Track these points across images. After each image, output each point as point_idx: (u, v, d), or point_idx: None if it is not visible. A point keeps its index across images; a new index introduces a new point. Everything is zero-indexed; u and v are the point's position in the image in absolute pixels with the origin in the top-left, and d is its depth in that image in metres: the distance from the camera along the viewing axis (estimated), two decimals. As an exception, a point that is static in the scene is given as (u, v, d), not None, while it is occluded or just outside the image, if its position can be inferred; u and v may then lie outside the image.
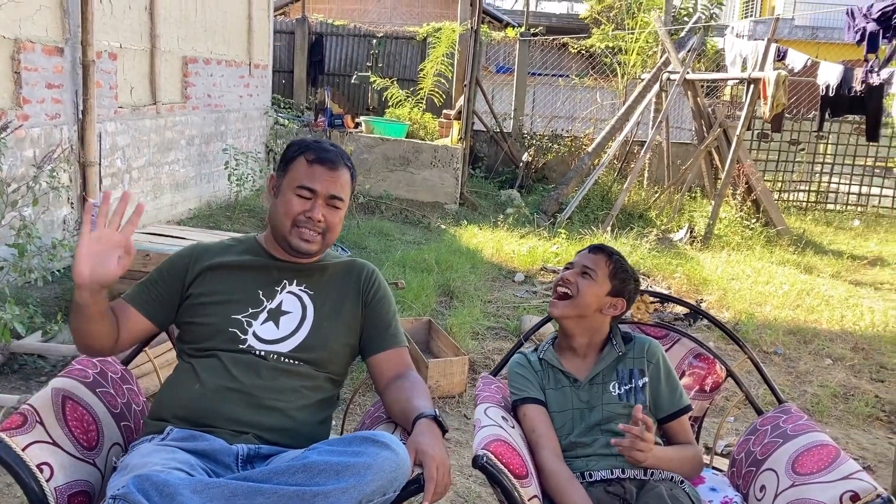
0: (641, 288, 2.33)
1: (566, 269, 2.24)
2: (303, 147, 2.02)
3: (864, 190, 11.38)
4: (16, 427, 1.68)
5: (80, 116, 5.54)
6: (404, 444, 1.72)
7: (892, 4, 7.14)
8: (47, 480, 1.66)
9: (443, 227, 8.46)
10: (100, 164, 5.83)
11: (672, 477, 2.05)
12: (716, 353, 2.53)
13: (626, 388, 2.14)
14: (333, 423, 2.16)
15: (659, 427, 2.14)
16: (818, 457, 2.02)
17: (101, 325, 1.86)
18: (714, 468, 2.48)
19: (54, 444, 1.74)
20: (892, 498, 1.82)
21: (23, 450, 1.65)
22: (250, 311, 1.99)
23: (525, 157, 11.30)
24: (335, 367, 2.04)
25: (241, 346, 1.94)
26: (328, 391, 2.03)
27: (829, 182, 11.43)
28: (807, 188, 11.39)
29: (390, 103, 12.28)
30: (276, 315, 2.00)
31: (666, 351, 2.48)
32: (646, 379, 2.15)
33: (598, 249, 2.24)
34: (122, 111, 6.27)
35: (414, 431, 1.81)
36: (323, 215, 1.98)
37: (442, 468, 1.72)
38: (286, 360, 1.95)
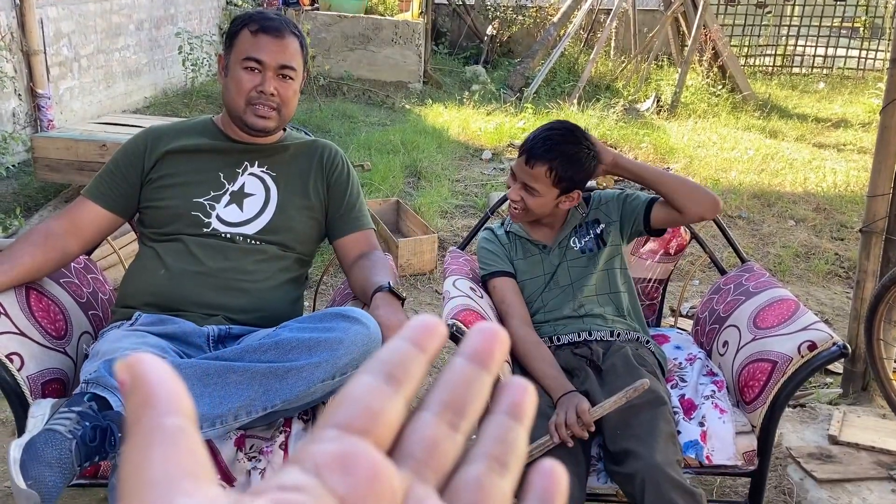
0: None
1: (511, 174, 2.13)
2: (245, 19, 1.92)
3: (830, 52, 11.30)
4: (-20, 320, 1.67)
5: (18, 1, 5.23)
6: None
7: None
8: (18, 369, 1.67)
9: (407, 106, 8.30)
10: (45, 53, 5.56)
11: (637, 337, 2.11)
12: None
13: (585, 239, 2.17)
14: (306, 303, 2.17)
15: (656, 234, 2.23)
16: (778, 311, 2.08)
17: (45, 266, 1.86)
18: (678, 328, 2.56)
19: (22, 334, 1.73)
20: (847, 345, 1.89)
21: (-11, 341, 1.64)
22: (212, 193, 1.95)
23: (489, 30, 10.99)
24: (302, 247, 2.03)
25: (205, 230, 1.91)
26: (296, 271, 2.03)
27: (796, 45, 11.31)
28: (773, 52, 11.28)
29: (347, -22, 11.75)
30: (238, 197, 1.96)
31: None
32: (602, 225, 2.18)
33: (534, 160, 2.02)
34: (62, -5, 5.93)
35: (371, 306, 1.82)
36: (275, 88, 1.90)
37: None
38: (252, 241, 1.94)
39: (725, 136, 7.44)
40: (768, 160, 6.65)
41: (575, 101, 8.27)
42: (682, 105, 8.48)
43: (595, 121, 7.47)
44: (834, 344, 1.89)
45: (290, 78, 1.94)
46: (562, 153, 2.01)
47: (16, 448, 1.39)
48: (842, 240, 4.96)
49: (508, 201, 2.14)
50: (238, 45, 1.91)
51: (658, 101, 8.52)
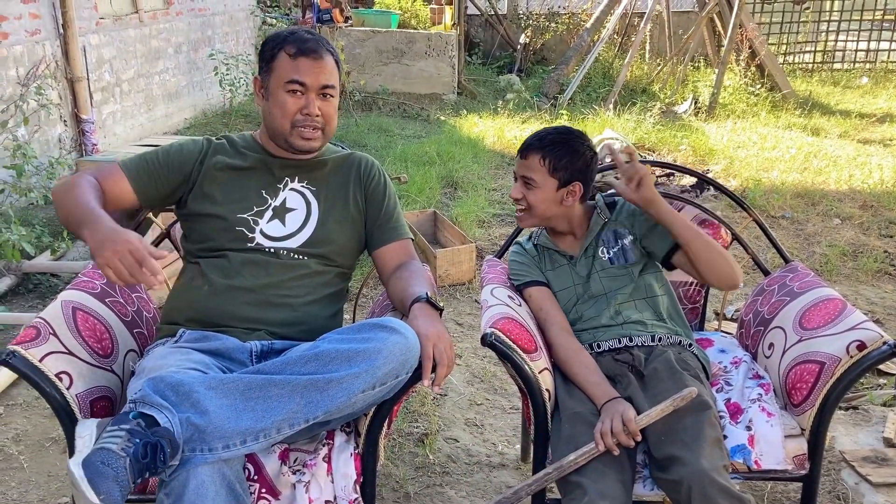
0: (648, 160, 2.29)
1: (514, 177, 2.16)
2: (280, 41, 1.95)
3: (873, 46, 11.06)
4: (30, 340, 1.71)
5: (62, 31, 5.38)
6: None
7: None
8: (67, 388, 1.70)
9: (442, 118, 8.33)
10: (88, 79, 5.71)
11: (680, 341, 2.08)
12: (721, 218, 2.52)
13: (614, 250, 2.14)
14: (346, 316, 2.19)
15: (668, 268, 2.15)
16: (825, 311, 2.04)
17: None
18: (723, 332, 2.51)
19: (70, 353, 1.77)
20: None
21: (39, 361, 1.68)
22: (255, 209, 1.97)
23: (522, 38, 10.99)
24: (343, 259, 2.05)
25: (249, 245, 1.94)
26: (337, 285, 2.04)
27: (836, 40, 11.10)
28: (812, 48, 11.08)
29: (379, -7, 11.87)
30: (281, 212, 1.99)
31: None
32: (630, 236, 2.14)
33: (527, 150, 2.09)
34: (103, 22, 6.09)
35: (409, 316, 1.82)
36: (318, 108, 1.94)
37: (440, 345, 1.72)
38: (296, 255, 1.96)
39: (766, 136, 7.32)
40: (811, 158, 6.52)
41: (611, 105, 8.21)
42: (720, 106, 8.37)
43: (632, 125, 7.41)
44: (885, 343, 1.84)
45: (331, 96, 1.98)
46: (553, 142, 2.07)
47: (76, 467, 1.42)
48: (891, 237, 4.84)
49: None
50: (278, 68, 1.93)
51: (696, 102, 8.42)
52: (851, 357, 1.86)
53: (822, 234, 4.85)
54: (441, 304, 1.86)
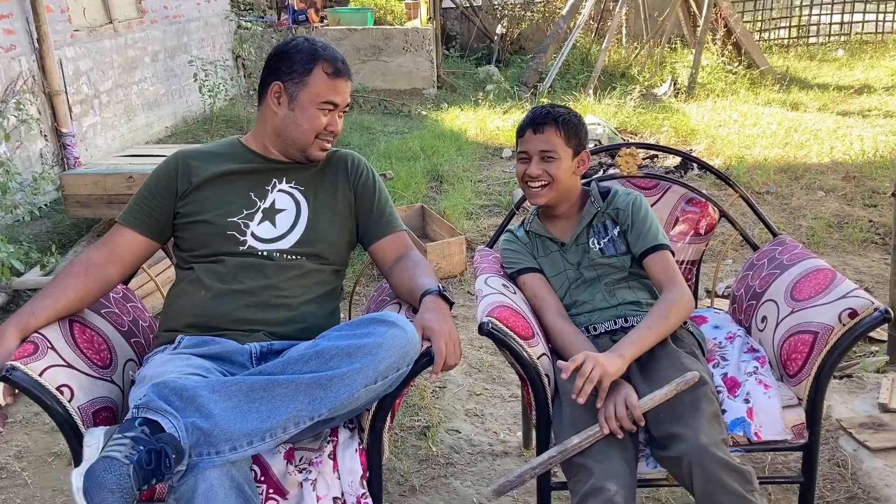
0: (632, 142, 2.30)
1: (521, 159, 2.16)
2: (314, 56, 1.97)
3: (847, 18, 11.13)
4: (28, 355, 1.70)
5: (37, 45, 5.34)
6: (411, 321, 1.75)
7: None
8: (69, 401, 1.70)
9: (423, 113, 8.34)
10: (66, 92, 5.67)
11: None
12: (708, 196, 2.54)
13: (605, 240, 2.15)
14: (342, 315, 2.20)
15: (641, 267, 2.15)
16: (815, 281, 2.06)
17: (88, 297, 1.91)
18: (716, 309, 2.54)
19: (69, 366, 1.76)
20: (890, 310, 1.86)
21: (39, 375, 1.68)
22: (245, 212, 1.98)
23: (499, 29, 11.00)
24: (336, 256, 2.06)
25: (241, 248, 1.95)
26: (332, 283, 2.05)
27: (810, 14, 11.17)
28: (787, 24, 11.14)
29: (353, -9, 11.84)
30: (271, 214, 2.00)
31: (658, 200, 2.50)
32: (618, 227, 2.16)
33: (540, 125, 2.10)
34: (78, 34, 6.04)
35: (420, 309, 1.84)
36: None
37: (450, 341, 1.75)
38: (288, 256, 1.97)
39: (746, 113, 7.37)
40: (792, 133, 6.57)
41: (591, 91, 8.24)
42: (699, 86, 8.41)
43: (613, 109, 7.44)
44: (875, 310, 1.86)
45: (346, 112, 2.07)
46: (562, 113, 2.12)
47: (77, 477, 1.42)
48: (875, 206, 4.89)
49: (525, 188, 2.16)
50: (314, 84, 1.96)
51: (675, 84, 8.46)
52: (844, 325, 1.88)
53: (807, 207, 4.90)
54: (453, 298, 1.89)
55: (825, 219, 4.65)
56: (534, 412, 1.97)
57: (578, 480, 1.75)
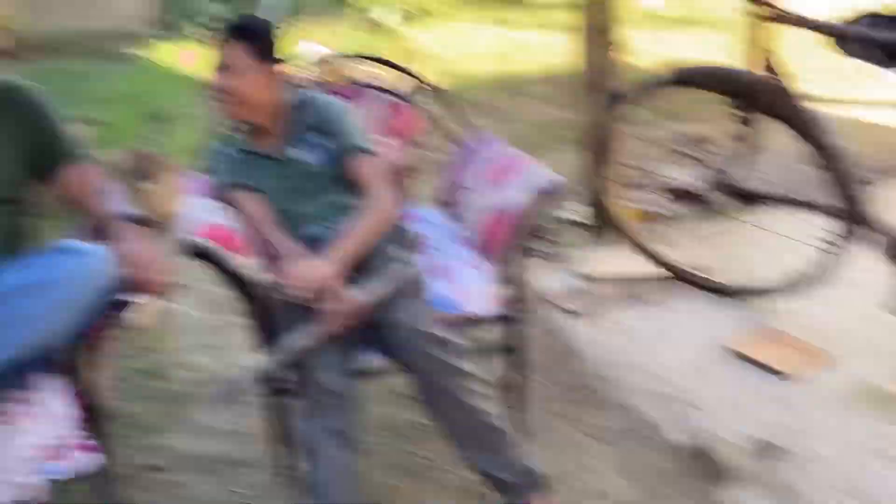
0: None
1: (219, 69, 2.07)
2: None
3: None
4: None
5: None
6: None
7: None
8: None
9: (138, 53, 7.78)
10: None
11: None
12: (413, 99, 2.61)
13: (310, 149, 2.13)
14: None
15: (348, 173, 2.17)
16: (510, 168, 2.27)
17: None
18: (427, 206, 2.67)
19: None
20: (577, 185, 2.11)
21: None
22: None
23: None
24: (8, 190, 1.81)
25: None
26: (10, 225, 1.85)
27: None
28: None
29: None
30: None
31: (363, 108, 2.54)
32: (328, 139, 2.14)
33: (227, 39, 2.03)
34: None
35: (115, 239, 1.73)
36: None
37: (141, 264, 1.67)
38: None
39: (465, 33, 7.74)
40: (508, 49, 7.04)
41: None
42: (423, 13, 8.65)
43: (337, 37, 7.41)
44: (557, 183, 2.09)
45: None
46: (246, 22, 2.10)
47: None
48: (572, 107, 5.40)
49: (216, 102, 2.08)
50: None
51: (401, 13, 8.60)
52: (533, 200, 2.09)
53: (518, 113, 5.30)
54: (153, 218, 1.78)
55: (531, 121, 5.05)
56: (257, 326, 1.97)
57: (301, 380, 1.80)
